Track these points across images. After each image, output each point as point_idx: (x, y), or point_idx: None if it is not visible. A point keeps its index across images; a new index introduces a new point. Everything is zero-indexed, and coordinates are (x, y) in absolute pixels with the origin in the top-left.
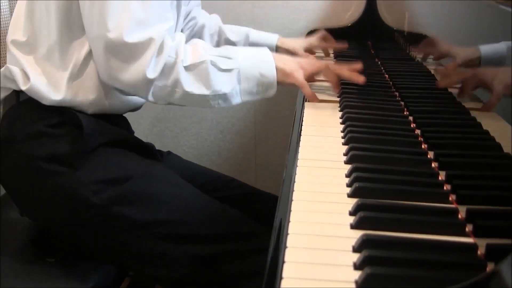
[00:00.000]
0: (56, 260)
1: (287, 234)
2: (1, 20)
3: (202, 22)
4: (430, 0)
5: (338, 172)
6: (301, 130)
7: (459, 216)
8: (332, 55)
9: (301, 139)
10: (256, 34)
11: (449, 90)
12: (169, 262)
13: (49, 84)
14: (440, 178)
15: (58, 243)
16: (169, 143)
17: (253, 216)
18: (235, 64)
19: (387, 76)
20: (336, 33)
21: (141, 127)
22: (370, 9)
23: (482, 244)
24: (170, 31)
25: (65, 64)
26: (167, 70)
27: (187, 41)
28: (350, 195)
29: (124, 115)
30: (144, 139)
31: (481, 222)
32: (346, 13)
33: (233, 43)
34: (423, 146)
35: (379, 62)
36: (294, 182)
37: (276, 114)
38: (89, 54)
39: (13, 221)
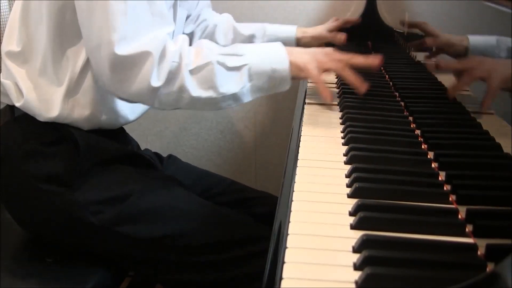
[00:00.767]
0: (55, 260)
1: (287, 234)
2: (1, 20)
3: (214, 23)
4: (430, 0)
5: (338, 173)
6: (301, 130)
7: (459, 216)
8: None
9: (301, 139)
10: (273, 28)
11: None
12: (171, 269)
13: (43, 100)
14: (440, 178)
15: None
16: (169, 143)
17: (256, 218)
18: (244, 60)
19: (387, 76)
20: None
21: (141, 127)
22: (370, 9)
23: (482, 244)
24: (171, 35)
25: (60, 79)
26: (171, 76)
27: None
28: (350, 196)
29: None
30: (144, 139)
31: (481, 222)
32: (346, 13)
33: (249, 38)
34: (423, 146)
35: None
36: (294, 182)
37: (276, 114)
38: (85, 66)
39: (13, 221)
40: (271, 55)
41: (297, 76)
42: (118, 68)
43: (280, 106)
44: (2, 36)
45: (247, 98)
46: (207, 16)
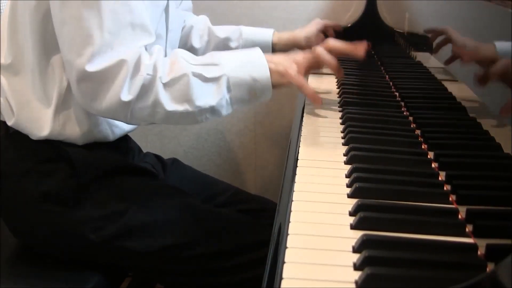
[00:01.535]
0: (56, 260)
1: (287, 234)
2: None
3: (190, 24)
4: (430, 0)
5: (338, 173)
6: (301, 130)
7: (459, 216)
8: None
9: (301, 139)
10: (249, 30)
11: (449, 90)
12: (172, 275)
13: (34, 119)
14: (440, 178)
15: None
16: (169, 143)
17: (260, 224)
18: (222, 70)
19: (387, 76)
20: (336, 33)
21: (141, 128)
22: (370, 9)
23: (482, 244)
24: (150, 47)
25: (49, 93)
26: (144, 90)
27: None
28: (350, 196)
29: None
30: (144, 139)
31: (481, 222)
32: (346, 13)
33: (224, 41)
34: (423, 146)
35: (379, 63)
36: (294, 182)
37: (276, 114)
38: None
39: None
40: (251, 63)
41: (279, 83)
42: (87, 83)
43: (280, 106)
44: None
45: (226, 111)
46: (185, 17)
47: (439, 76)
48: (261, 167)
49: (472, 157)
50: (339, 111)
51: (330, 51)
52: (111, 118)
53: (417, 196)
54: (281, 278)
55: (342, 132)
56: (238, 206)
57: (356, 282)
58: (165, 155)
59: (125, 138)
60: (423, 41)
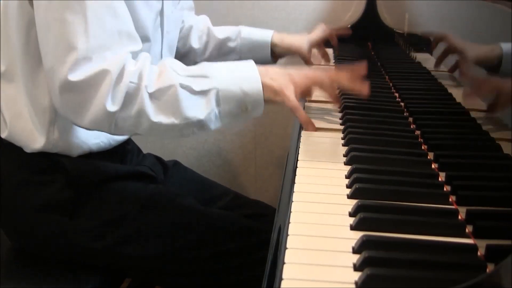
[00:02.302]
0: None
1: (287, 235)
2: None
3: (189, 24)
4: (430, 0)
5: (338, 173)
6: (301, 130)
7: (459, 217)
8: (331, 54)
9: (301, 140)
10: (249, 30)
11: (449, 91)
12: (172, 275)
13: (27, 131)
14: (440, 179)
15: None
16: (169, 144)
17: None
18: (212, 83)
19: (387, 77)
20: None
21: None
22: (370, 9)
23: (482, 245)
24: (136, 54)
25: (41, 103)
26: (129, 99)
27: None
28: (350, 196)
29: None
30: (144, 140)
31: (481, 223)
32: (346, 13)
33: (223, 41)
34: (423, 147)
35: (379, 63)
36: (294, 183)
37: (276, 114)
38: None
39: None
40: (242, 76)
41: (272, 100)
42: (70, 94)
43: (280, 106)
44: None
45: (214, 125)
46: (184, 17)
47: (442, 82)
48: (261, 167)
49: (472, 158)
50: (339, 112)
51: (334, 82)
52: (95, 130)
53: (417, 196)
54: (281, 279)
55: (342, 132)
56: (237, 210)
57: (356, 283)
58: (166, 156)
59: (124, 146)
60: (423, 42)
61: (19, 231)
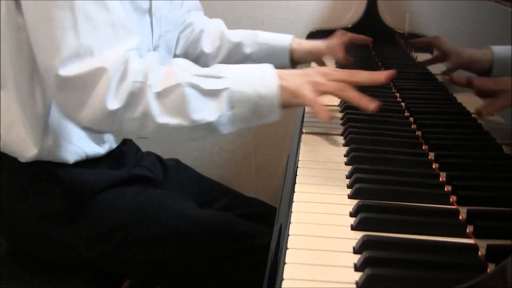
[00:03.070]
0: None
1: (287, 235)
2: None
3: (200, 28)
4: (430, 0)
5: (338, 173)
6: (301, 130)
7: (460, 217)
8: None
9: (301, 140)
10: (265, 35)
11: (450, 92)
12: (172, 277)
13: (21, 140)
14: (440, 179)
15: None
16: (169, 143)
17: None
18: (225, 83)
19: None
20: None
21: None
22: (371, 10)
23: (482, 245)
24: (138, 51)
25: (35, 113)
26: (132, 99)
27: (184, 52)
28: (350, 196)
29: None
30: (145, 140)
31: (482, 223)
32: (347, 14)
33: (237, 45)
34: (424, 147)
35: (379, 63)
36: (295, 183)
37: None
38: None
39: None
40: (258, 78)
41: (290, 103)
42: (66, 91)
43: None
44: None
45: (225, 129)
46: (193, 19)
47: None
48: (261, 167)
49: (472, 158)
50: (340, 112)
51: (354, 85)
52: (97, 131)
53: (418, 197)
54: (282, 279)
55: (342, 133)
56: (237, 210)
57: (356, 283)
58: (166, 155)
59: (120, 149)
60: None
61: (16, 239)
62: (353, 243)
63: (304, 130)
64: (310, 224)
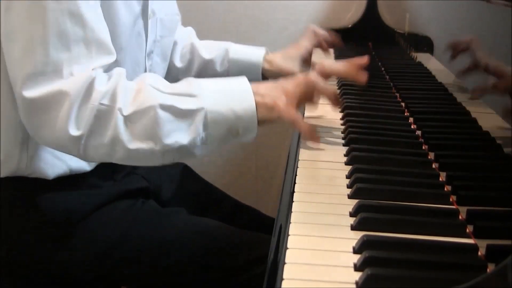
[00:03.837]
0: None
1: (287, 235)
2: None
3: (174, 39)
4: (430, 0)
5: (338, 173)
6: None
7: (460, 217)
8: (333, 55)
9: (301, 139)
10: (237, 49)
11: (450, 91)
12: (172, 284)
13: (1, 153)
14: (440, 179)
15: None
16: None
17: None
18: (199, 102)
19: (387, 77)
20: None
21: None
22: (371, 10)
23: (482, 245)
24: (110, 67)
25: (12, 122)
26: (99, 123)
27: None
28: (350, 196)
29: None
30: None
31: (482, 223)
32: (347, 14)
33: (207, 63)
34: (423, 147)
35: (379, 63)
36: (295, 183)
37: None
38: None
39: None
40: (234, 96)
41: (268, 118)
42: (29, 111)
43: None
44: None
45: (200, 151)
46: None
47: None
48: (261, 167)
49: (472, 158)
50: (340, 112)
51: (326, 75)
52: (64, 152)
53: (418, 196)
54: (282, 279)
55: (342, 133)
56: (236, 219)
57: (356, 283)
58: None
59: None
60: (424, 42)
61: (10, 261)
62: (353, 243)
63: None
64: (310, 224)
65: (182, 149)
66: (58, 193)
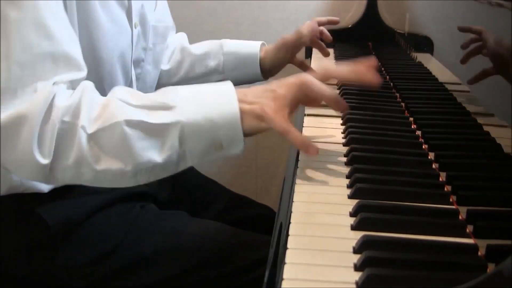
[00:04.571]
0: None
1: (287, 235)
2: None
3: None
4: (430, 0)
5: (338, 173)
6: (301, 131)
7: (460, 217)
8: (333, 55)
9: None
10: (232, 43)
11: (450, 91)
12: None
13: None
14: (440, 179)
15: None
16: None
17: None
18: (174, 115)
19: (388, 77)
20: (337, 34)
21: None
22: (371, 10)
23: (482, 245)
24: (77, 83)
25: None
26: (61, 143)
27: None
28: (350, 196)
29: None
30: None
31: (482, 223)
32: (347, 14)
33: (202, 57)
34: (423, 147)
35: (379, 63)
36: (295, 183)
37: None
38: None
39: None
40: (214, 104)
41: (255, 129)
42: None
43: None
44: None
45: (179, 167)
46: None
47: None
48: (261, 167)
49: (472, 158)
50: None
51: (327, 78)
52: (35, 181)
53: (418, 197)
54: (282, 279)
55: (342, 132)
56: (236, 213)
57: (356, 283)
58: None
59: None
60: (424, 42)
61: (7, 272)
62: (353, 243)
63: (304, 130)
64: (310, 224)
65: (156, 168)
66: (56, 202)
